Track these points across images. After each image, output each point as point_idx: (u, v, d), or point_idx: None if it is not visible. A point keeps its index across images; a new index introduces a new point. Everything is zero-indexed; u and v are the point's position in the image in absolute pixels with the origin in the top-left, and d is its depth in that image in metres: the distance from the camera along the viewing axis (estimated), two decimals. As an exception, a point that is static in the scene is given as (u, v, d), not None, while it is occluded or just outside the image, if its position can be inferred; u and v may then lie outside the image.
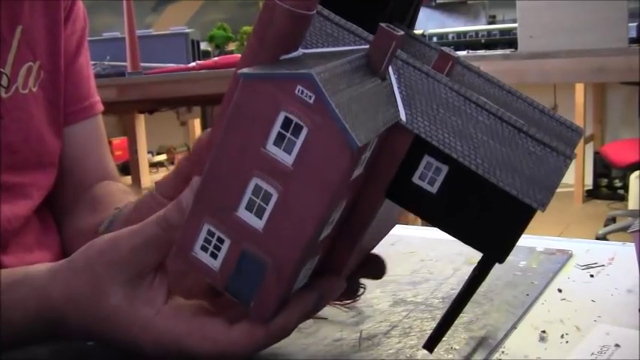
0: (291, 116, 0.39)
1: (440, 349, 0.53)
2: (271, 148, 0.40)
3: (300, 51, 0.44)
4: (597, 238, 3.12)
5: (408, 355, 0.52)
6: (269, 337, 0.45)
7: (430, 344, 0.50)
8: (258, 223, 0.42)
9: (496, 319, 0.58)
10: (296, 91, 0.39)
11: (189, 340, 0.45)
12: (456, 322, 0.58)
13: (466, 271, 0.69)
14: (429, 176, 0.43)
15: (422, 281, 0.68)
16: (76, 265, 0.48)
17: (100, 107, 0.84)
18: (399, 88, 0.44)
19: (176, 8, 4.99)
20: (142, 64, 2.32)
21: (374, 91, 0.42)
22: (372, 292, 0.64)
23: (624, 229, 2.96)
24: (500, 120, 0.44)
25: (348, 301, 0.59)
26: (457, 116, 0.44)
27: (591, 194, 4.50)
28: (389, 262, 0.53)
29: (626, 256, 0.71)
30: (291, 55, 0.43)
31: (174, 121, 4.25)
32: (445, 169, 0.42)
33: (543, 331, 0.56)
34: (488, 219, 0.42)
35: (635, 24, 2.52)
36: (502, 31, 3.33)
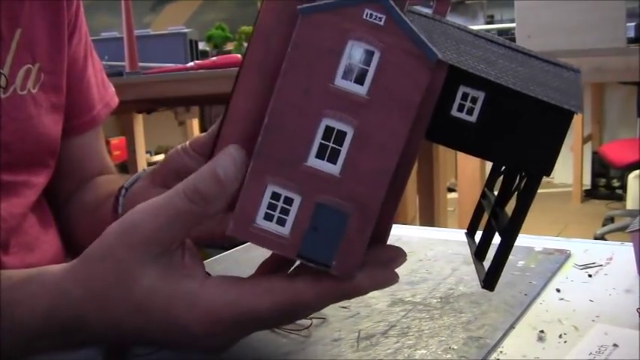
0: (360, 43, 0.38)
1: (438, 348, 0.53)
2: (341, 82, 0.39)
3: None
4: (595, 238, 3.12)
5: (406, 355, 0.52)
6: (340, 290, 0.41)
7: (490, 281, 0.47)
8: (333, 169, 0.39)
9: (494, 319, 0.58)
10: (364, 16, 0.38)
11: (244, 301, 0.40)
12: (454, 321, 0.58)
13: (465, 270, 0.70)
14: (466, 106, 0.43)
15: (420, 281, 0.67)
16: (94, 256, 0.42)
17: (107, 110, 0.86)
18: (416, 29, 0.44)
19: (174, 8, 4.99)
20: (140, 64, 2.32)
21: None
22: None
23: (622, 229, 2.97)
24: (510, 48, 0.46)
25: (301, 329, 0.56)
26: (476, 48, 0.45)
27: (589, 194, 4.50)
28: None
29: (625, 256, 0.71)
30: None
31: (172, 121, 4.24)
32: (482, 95, 0.42)
33: (541, 331, 0.56)
34: (530, 136, 0.43)
35: (633, 24, 2.53)
36: (500, 31, 3.33)
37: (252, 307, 0.40)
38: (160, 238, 0.41)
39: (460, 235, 0.61)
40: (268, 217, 0.40)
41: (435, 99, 0.42)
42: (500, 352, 0.53)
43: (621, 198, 4.25)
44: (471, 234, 0.56)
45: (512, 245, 0.46)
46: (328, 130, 0.39)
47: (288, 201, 0.40)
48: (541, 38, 2.29)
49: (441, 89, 0.42)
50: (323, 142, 0.39)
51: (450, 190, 3.21)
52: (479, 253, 0.52)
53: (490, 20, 4.10)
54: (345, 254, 0.40)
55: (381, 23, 0.38)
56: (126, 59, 2.30)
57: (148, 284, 0.41)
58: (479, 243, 0.52)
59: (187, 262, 0.42)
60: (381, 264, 0.43)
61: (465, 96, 0.43)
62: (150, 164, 4.01)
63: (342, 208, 0.39)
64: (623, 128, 4.39)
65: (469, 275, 0.68)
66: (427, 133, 0.43)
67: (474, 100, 0.43)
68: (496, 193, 0.53)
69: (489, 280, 0.47)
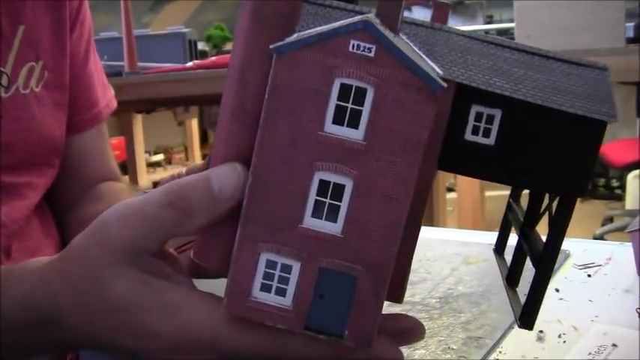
0: (348, 81, 0.33)
1: (437, 348, 0.53)
2: (332, 128, 0.34)
3: (297, 34, 0.36)
4: (595, 238, 3.12)
5: (405, 355, 0.52)
6: (331, 353, 0.36)
7: (528, 320, 0.42)
8: (334, 228, 0.34)
9: (494, 319, 0.58)
10: (350, 48, 0.33)
11: (228, 328, 0.37)
12: (453, 321, 0.58)
13: (464, 270, 0.69)
14: (482, 128, 0.38)
15: (419, 281, 0.67)
16: (73, 249, 0.40)
17: (109, 110, 0.85)
18: (414, 44, 0.39)
19: (173, 8, 4.99)
20: (140, 64, 2.32)
21: (403, 44, 0.37)
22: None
23: (622, 228, 2.97)
24: (524, 52, 0.40)
25: None
26: (485, 58, 0.39)
27: (589, 194, 4.51)
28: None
29: (624, 255, 0.71)
30: (292, 39, 0.35)
31: (171, 120, 4.25)
32: (498, 113, 0.38)
33: (541, 331, 0.56)
34: (559, 154, 0.38)
35: (632, 24, 2.53)
36: (499, 31, 3.33)
37: (234, 338, 0.37)
38: (131, 240, 0.37)
39: (459, 235, 0.61)
40: (266, 288, 0.35)
41: (444, 124, 0.37)
42: (500, 352, 0.53)
43: (620, 198, 4.25)
44: (499, 251, 0.51)
45: (550, 277, 0.41)
46: (323, 185, 0.34)
47: (287, 268, 0.35)
48: (540, 38, 2.29)
49: (450, 111, 0.37)
50: (319, 198, 0.34)
51: (449, 190, 3.21)
52: (510, 278, 0.47)
53: (489, 20, 4.10)
54: (358, 322, 0.35)
55: (371, 54, 0.33)
56: (125, 59, 2.30)
57: (124, 288, 0.37)
58: (510, 266, 0.48)
59: (170, 272, 0.39)
60: (392, 335, 0.39)
61: (479, 116, 0.38)
62: (149, 164, 4.02)
63: (349, 271, 0.35)
64: (623, 128, 4.39)
65: (468, 275, 0.68)
66: (440, 162, 0.38)
67: (490, 120, 0.38)
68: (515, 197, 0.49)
69: (527, 319, 0.41)
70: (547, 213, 0.42)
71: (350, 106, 0.34)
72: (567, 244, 0.78)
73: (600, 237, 3.20)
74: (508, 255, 0.47)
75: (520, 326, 0.41)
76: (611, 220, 3.65)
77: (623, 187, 4.08)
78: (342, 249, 0.34)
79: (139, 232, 0.37)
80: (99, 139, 0.83)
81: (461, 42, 0.40)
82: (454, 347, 0.53)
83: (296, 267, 0.35)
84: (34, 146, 0.71)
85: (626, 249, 0.72)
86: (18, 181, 0.70)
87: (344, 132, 0.34)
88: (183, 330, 0.37)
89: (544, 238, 0.42)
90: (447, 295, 0.64)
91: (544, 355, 0.52)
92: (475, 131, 0.38)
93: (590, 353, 0.51)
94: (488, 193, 2.81)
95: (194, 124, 4.26)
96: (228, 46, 3.10)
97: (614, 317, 0.58)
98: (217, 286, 0.42)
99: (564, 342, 0.54)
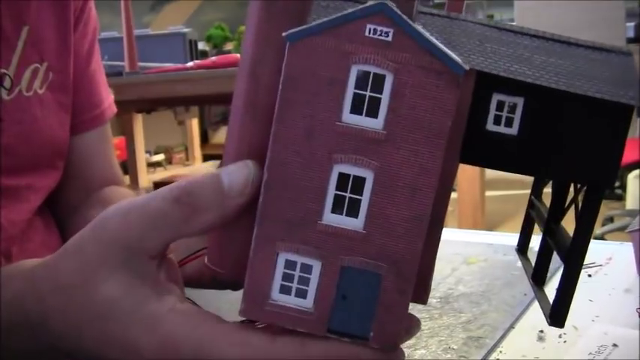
0: (366, 68, 0.32)
1: (438, 348, 0.53)
2: (350, 118, 0.32)
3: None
4: (595, 238, 3.12)
5: (405, 355, 0.52)
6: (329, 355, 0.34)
7: (559, 317, 0.40)
8: (355, 223, 0.33)
9: (494, 319, 0.58)
10: (367, 33, 0.31)
11: (211, 345, 0.34)
12: (453, 321, 0.58)
13: (464, 270, 0.69)
14: (504, 117, 0.36)
15: (420, 281, 0.67)
16: (69, 249, 0.38)
17: (111, 112, 0.84)
18: (431, 34, 0.37)
19: (174, 8, 4.99)
20: (140, 64, 2.32)
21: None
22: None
23: (622, 228, 2.97)
24: (545, 39, 0.39)
25: None
26: (504, 46, 0.38)
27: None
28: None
29: (624, 255, 0.71)
30: None
31: (171, 120, 4.25)
32: (521, 101, 0.36)
33: (541, 331, 0.56)
34: (584, 142, 0.37)
35: (632, 24, 2.53)
36: (500, 31, 3.34)
37: (217, 355, 0.34)
38: (129, 239, 0.36)
39: (460, 234, 0.61)
40: (285, 290, 0.34)
41: (465, 115, 0.36)
42: (500, 351, 0.53)
43: (621, 198, 4.24)
44: (522, 250, 0.50)
45: (579, 273, 0.40)
46: (342, 178, 0.33)
47: (307, 268, 0.33)
48: (540, 38, 2.29)
49: (471, 101, 0.36)
50: (338, 192, 0.33)
51: (450, 189, 3.21)
52: (536, 276, 0.46)
53: (490, 20, 4.11)
54: (384, 322, 0.33)
55: (389, 39, 0.31)
56: (125, 59, 2.30)
57: (110, 293, 0.35)
58: (535, 265, 0.47)
59: (162, 279, 0.37)
60: None
61: (500, 105, 0.36)
62: (149, 164, 4.02)
63: (372, 269, 0.33)
64: (623, 128, 4.39)
65: (469, 275, 0.68)
66: (462, 154, 0.37)
67: (512, 109, 0.36)
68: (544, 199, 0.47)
69: (557, 316, 0.40)
70: (573, 207, 0.41)
71: (368, 94, 0.32)
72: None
73: (601, 237, 3.20)
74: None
75: (550, 324, 0.40)
76: (611, 219, 3.64)
77: (623, 186, 4.07)
78: (365, 246, 0.33)
79: (140, 230, 0.35)
80: (102, 142, 0.82)
81: (478, 30, 0.38)
82: (454, 347, 0.53)
83: (316, 266, 0.33)
84: (36, 149, 0.71)
85: (627, 249, 0.72)
86: (19, 184, 0.70)
87: (363, 121, 0.32)
88: (165, 345, 0.35)
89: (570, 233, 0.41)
90: (447, 294, 0.64)
91: (544, 354, 0.52)
92: (497, 121, 0.37)
93: (590, 353, 0.51)
94: (488, 193, 2.82)
95: (194, 123, 4.26)
96: (229, 46, 3.11)
97: (614, 317, 0.58)
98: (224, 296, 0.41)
99: (564, 342, 0.54)
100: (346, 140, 0.32)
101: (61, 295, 0.37)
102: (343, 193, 0.33)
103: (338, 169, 0.32)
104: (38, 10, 0.70)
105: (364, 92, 0.32)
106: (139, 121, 2.80)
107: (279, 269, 0.33)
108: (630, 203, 3.57)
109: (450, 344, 0.54)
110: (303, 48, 0.32)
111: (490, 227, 2.78)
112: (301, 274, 0.33)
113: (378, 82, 0.32)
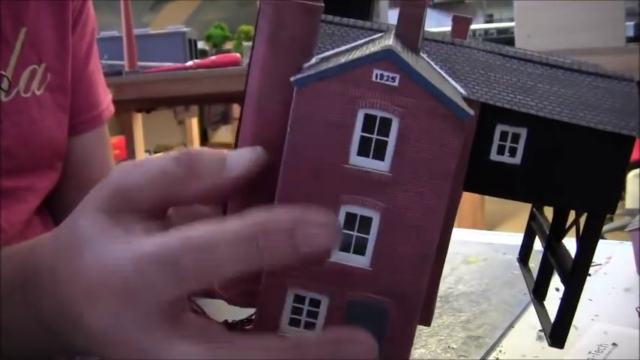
0: (373, 112, 0.33)
1: (437, 347, 0.53)
2: (357, 160, 0.33)
3: (315, 57, 0.36)
4: (595, 237, 3.11)
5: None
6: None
7: (559, 338, 0.42)
8: (362, 261, 0.34)
9: (494, 318, 0.58)
10: (373, 78, 0.32)
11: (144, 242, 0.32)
12: (453, 320, 0.58)
13: (464, 270, 0.69)
14: (507, 147, 0.38)
15: (419, 280, 0.67)
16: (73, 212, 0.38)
17: (109, 113, 0.84)
18: (435, 63, 0.38)
19: (174, 7, 4.99)
20: (140, 63, 2.32)
21: (425, 67, 0.36)
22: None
23: (622, 227, 2.97)
24: (549, 65, 0.40)
25: None
26: (509, 74, 0.39)
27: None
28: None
29: (624, 254, 0.71)
30: (311, 63, 0.35)
31: (171, 120, 4.24)
32: (524, 131, 0.37)
33: (541, 330, 0.56)
34: (586, 171, 0.38)
35: (632, 23, 2.53)
36: (499, 30, 3.33)
37: (161, 243, 0.32)
38: (123, 185, 0.35)
39: (459, 234, 0.61)
40: (294, 323, 0.35)
41: (469, 145, 0.37)
42: (500, 351, 0.53)
43: (621, 197, 4.25)
44: (523, 261, 0.51)
45: (580, 295, 0.41)
46: (350, 218, 0.34)
47: (315, 303, 0.34)
48: (540, 38, 2.29)
49: (475, 131, 0.37)
50: (346, 232, 0.34)
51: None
52: (537, 291, 0.48)
53: (489, 19, 4.10)
54: (391, 353, 0.35)
55: (395, 84, 0.32)
56: (125, 58, 2.30)
57: (82, 223, 0.35)
58: (537, 280, 0.48)
59: (140, 235, 0.34)
60: None
61: (504, 135, 0.37)
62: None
63: (379, 303, 0.34)
64: (623, 127, 4.39)
65: (468, 274, 0.68)
66: (465, 183, 0.38)
67: (516, 139, 0.37)
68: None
69: (558, 336, 0.41)
70: (574, 227, 0.42)
71: (375, 137, 0.33)
72: (567, 243, 0.78)
73: (600, 236, 3.20)
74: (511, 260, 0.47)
75: (551, 345, 0.41)
76: (611, 219, 3.64)
77: (623, 186, 4.08)
78: (372, 281, 0.34)
79: (135, 179, 0.35)
80: (100, 143, 0.82)
81: (482, 58, 0.39)
82: (454, 346, 0.53)
83: (325, 301, 0.34)
84: (35, 150, 0.70)
85: (627, 248, 0.72)
86: (18, 185, 0.70)
87: (370, 164, 0.33)
88: (97, 265, 0.33)
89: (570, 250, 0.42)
90: (446, 294, 0.64)
91: (544, 354, 0.52)
92: (501, 151, 0.38)
93: (590, 352, 0.51)
94: (488, 193, 2.81)
95: (194, 123, 4.25)
96: (228, 46, 3.10)
97: (614, 316, 0.58)
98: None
99: (564, 341, 0.54)
100: (353, 182, 0.33)
101: (53, 240, 0.37)
102: (350, 232, 0.34)
103: (345, 209, 0.33)
104: (36, 11, 0.69)
105: (371, 135, 0.33)
106: (138, 121, 2.80)
107: (289, 304, 0.34)
108: (630, 202, 3.57)
109: (450, 343, 0.54)
110: (310, 92, 0.33)
111: (490, 227, 2.78)
112: (310, 309, 0.34)
113: (385, 125, 0.33)
